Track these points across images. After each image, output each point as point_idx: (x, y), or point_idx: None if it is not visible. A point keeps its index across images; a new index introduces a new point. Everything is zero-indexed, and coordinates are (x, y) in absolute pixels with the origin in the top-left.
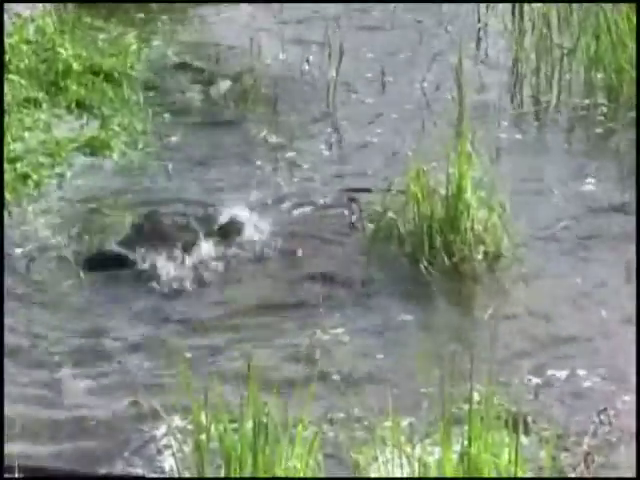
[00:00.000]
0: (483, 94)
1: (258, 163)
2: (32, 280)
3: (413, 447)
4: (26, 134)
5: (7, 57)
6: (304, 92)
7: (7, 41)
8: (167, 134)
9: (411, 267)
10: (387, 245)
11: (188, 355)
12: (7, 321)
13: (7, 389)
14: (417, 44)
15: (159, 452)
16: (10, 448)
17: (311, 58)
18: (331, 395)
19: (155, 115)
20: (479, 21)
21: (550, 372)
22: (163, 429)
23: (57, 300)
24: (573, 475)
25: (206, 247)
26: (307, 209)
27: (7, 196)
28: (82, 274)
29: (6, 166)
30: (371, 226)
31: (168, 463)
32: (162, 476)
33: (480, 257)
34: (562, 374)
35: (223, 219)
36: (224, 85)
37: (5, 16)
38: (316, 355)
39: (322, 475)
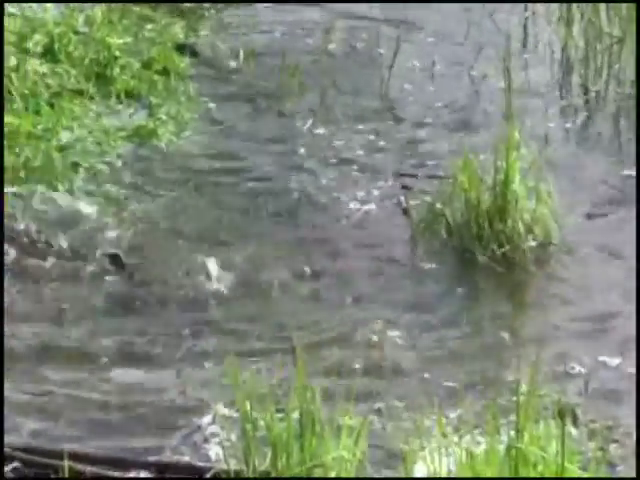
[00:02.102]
0: (531, 83)
1: (303, 151)
2: (76, 266)
3: (460, 437)
4: (75, 123)
5: (56, 47)
6: (353, 83)
7: (56, 30)
8: (214, 123)
9: (459, 256)
10: (436, 234)
11: (233, 345)
12: (55, 306)
13: (58, 376)
14: (465, 33)
15: (206, 441)
16: (59, 434)
17: (359, 47)
18: (378, 385)
19: (202, 104)
20: (526, 9)
21: (600, 361)
22: (210, 418)
23: (102, 289)
24: (621, 465)
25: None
26: (356, 198)
27: (59, 185)
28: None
29: (56, 154)
30: (420, 215)
31: (214, 452)
32: (209, 464)
33: (529, 246)
34: (613, 363)
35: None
36: (272, 75)
37: (53, 5)
38: (362, 345)
39: (368, 465)
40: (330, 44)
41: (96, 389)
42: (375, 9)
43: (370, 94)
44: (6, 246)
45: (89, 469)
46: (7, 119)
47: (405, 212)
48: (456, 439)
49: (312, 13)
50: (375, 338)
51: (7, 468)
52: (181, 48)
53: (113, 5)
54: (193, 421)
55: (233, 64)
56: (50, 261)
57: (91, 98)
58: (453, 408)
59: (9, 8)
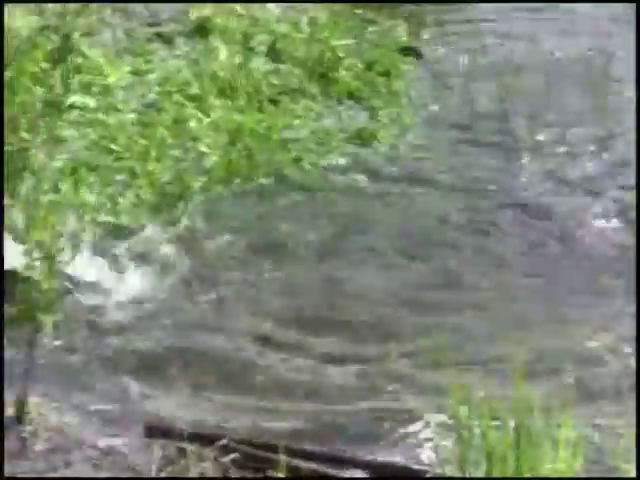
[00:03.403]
0: None
1: (525, 160)
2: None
3: None
4: (297, 122)
5: (279, 46)
6: (577, 90)
7: (279, 30)
8: (436, 127)
9: None
10: None
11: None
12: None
13: (273, 371)
14: None
15: (419, 445)
16: (276, 430)
17: (588, 53)
18: (597, 399)
19: (424, 108)
20: None
21: None
22: (422, 423)
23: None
24: None
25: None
26: (576, 209)
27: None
28: None
29: (277, 152)
30: None
31: (427, 455)
32: (424, 468)
33: None
34: None
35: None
36: (494, 78)
37: (275, 5)
38: (580, 359)
39: None
40: (555, 48)
41: (314, 388)
42: (602, 9)
43: (593, 102)
44: None
45: (305, 465)
46: (231, 116)
47: (630, 228)
48: None
49: (540, 16)
50: (593, 353)
51: (226, 458)
52: (403, 51)
53: (336, 8)
54: (407, 425)
55: (455, 67)
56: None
57: (312, 98)
58: None
59: (237, 8)
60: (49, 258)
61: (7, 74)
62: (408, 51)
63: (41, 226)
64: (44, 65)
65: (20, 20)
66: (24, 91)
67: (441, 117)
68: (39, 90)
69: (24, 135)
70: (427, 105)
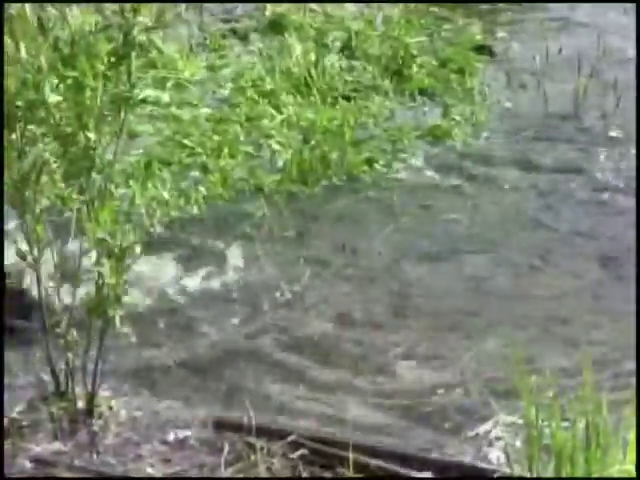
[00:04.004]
0: None
1: (598, 157)
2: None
3: None
4: (370, 120)
5: (354, 43)
6: None
7: (354, 28)
8: (510, 126)
9: None
10: None
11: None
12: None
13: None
14: None
15: (489, 444)
16: (344, 428)
17: None
18: None
19: (498, 106)
20: None
21: None
22: (492, 421)
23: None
24: None
25: None
26: None
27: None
28: None
29: (350, 149)
30: None
31: (496, 455)
32: (493, 467)
33: None
34: None
35: None
36: (568, 78)
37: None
38: None
39: None
40: (630, 46)
41: (381, 388)
42: None
43: None
44: None
45: (373, 462)
46: (304, 113)
47: None
48: None
49: (618, 12)
50: None
51: (295, 454)
52: (478, 49)
53: (412, 6)
54: (477, 423)
55: (530, 66)
56: None
57: (386, 95)
58: None
59: (312, 5)
60: (115, 254)
61: (71, 73)
62: (482, 49)
63: (108, 221)
64: (108, 62)
65: (80, 18)
66: (88, 88)
67: (515, 116)
68: (107, 86)
69: (90, 131)
70: (502, 103)
